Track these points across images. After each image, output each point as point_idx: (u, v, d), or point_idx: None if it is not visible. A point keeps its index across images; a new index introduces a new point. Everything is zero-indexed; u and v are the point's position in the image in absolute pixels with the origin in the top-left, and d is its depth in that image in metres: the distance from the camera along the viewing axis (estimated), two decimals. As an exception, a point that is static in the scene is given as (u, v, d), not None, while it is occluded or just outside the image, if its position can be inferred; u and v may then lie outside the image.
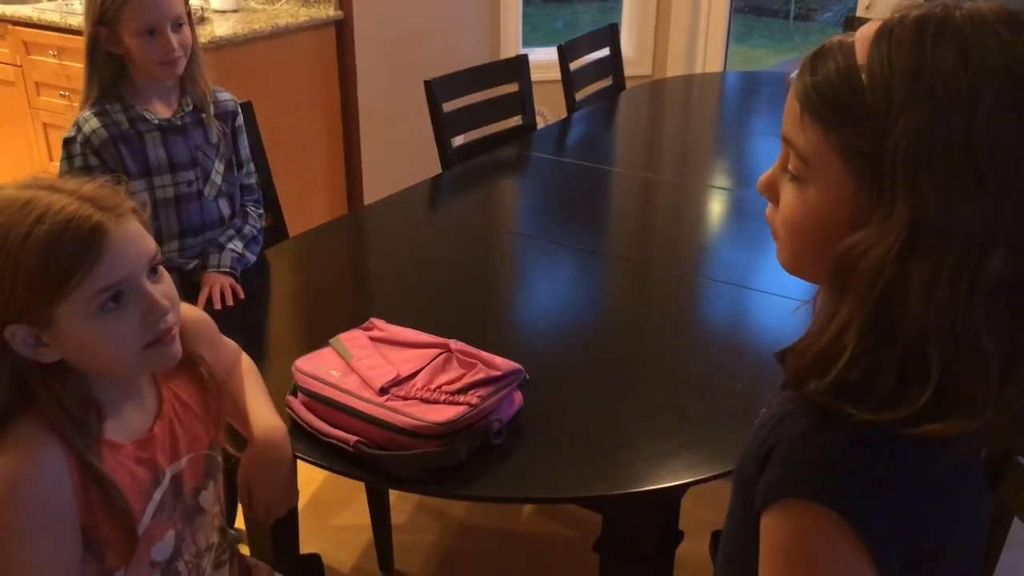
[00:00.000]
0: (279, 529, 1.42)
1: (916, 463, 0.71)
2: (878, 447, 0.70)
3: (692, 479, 1.19)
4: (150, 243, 0.99)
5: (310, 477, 1.17)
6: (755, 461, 0.76)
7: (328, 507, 2.25)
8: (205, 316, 1.21)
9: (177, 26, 1.68)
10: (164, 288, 1.00)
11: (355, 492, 2.23)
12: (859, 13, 3.79)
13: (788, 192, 0.77)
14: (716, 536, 1.39)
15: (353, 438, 1.20)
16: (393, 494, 2.11)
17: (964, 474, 0.76)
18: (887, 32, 0.70)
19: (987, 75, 0.66)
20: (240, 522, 1.53)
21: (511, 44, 4.07)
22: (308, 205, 3.31)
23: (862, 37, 0.72)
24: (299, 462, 1.25)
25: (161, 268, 1.01)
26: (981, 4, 0.69)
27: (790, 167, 0.76)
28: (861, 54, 0.71)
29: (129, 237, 0.95)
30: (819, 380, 0.71)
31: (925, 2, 0.72)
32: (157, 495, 1.04)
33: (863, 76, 0.70)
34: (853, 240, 0.70)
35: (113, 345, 0.96)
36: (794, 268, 0.80)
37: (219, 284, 1.69)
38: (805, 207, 0.76)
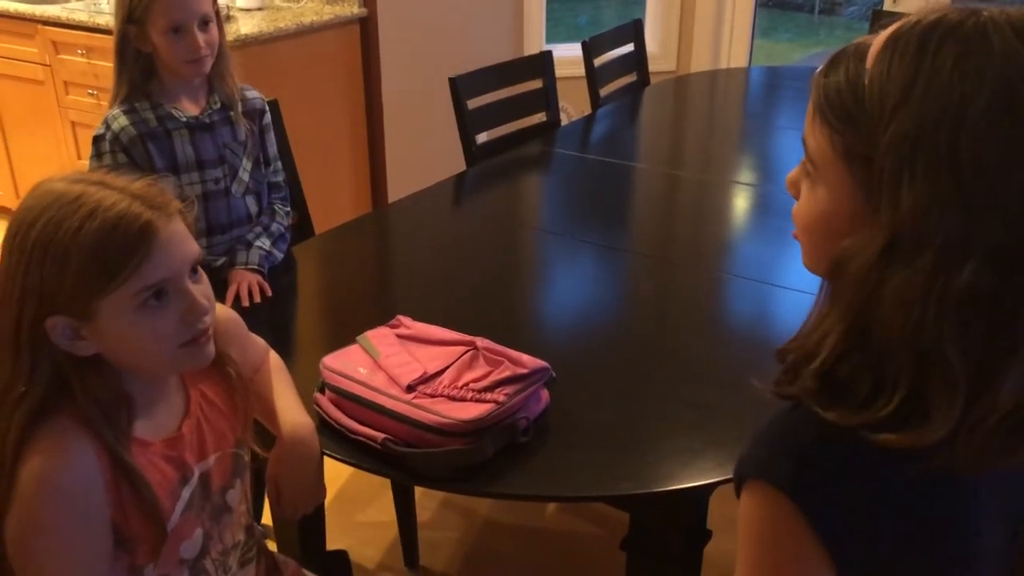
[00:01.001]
0: (306, 526, 1.43)
1: (880, 468, 0.71)
2: (843, 445, 0.71)
3: (719, 478, 1.19)
4: (194, 245, 1.00)
5: (336, 474, 1.18)
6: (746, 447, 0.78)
7: (354, 504, 2.26)
8: (234, 315, 1.22)
9: (204, 24, 1.69)
10: (203, 289, 1.02)
11: (381, 489, 2.24)
12: (886, 7, 3.76)
13: (804, 192, 0.79)
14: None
15: (381, 435, 1.20)
16: (418, 491, 2.11)
17: (946, 497, 0.74)
18: (894, 39, 0.70)
19: (982, 83, 0.65)
20: (267, 518, 1.54)
21: (535, 40, 4.06)
22: (333, 202, 3.32)
23: (875, 43, 0.72)
24: (326, 459, 1.25)
25: (200, 269, 1.02)
26: (1007, 9, 0.68)
27: (807, 168, 0.78)
28: (870, 60, 0.71)
29: (176, 237, 0.97)
30: (801, 379, 0.73)
31: (953, 3, 0.71)
32: (186, 493, 1.05)
33: (866, 81, 0.70)
34: (845, 244, 0.71)
35: (151, 341, 0.97)
36: (813, 268, 0.81)
37: (247, 281, 1.70)
38: (814, 206, 0.77)
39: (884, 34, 0.72)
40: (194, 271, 1.00)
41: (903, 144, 0.67)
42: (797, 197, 0.81)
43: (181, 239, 0.98)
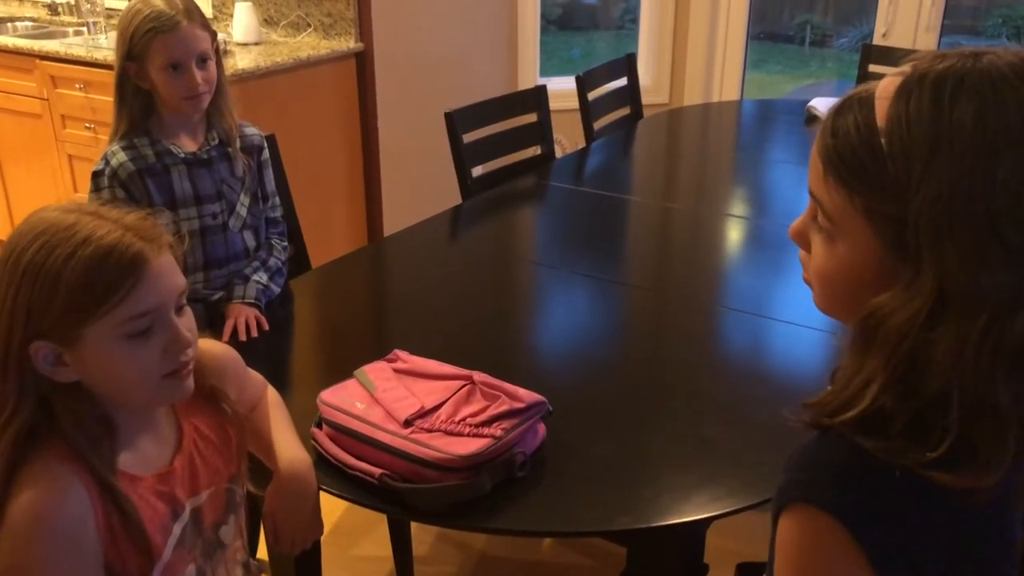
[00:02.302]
0: (302, 561, 1.43)
1: (924, 489, 0.71)
2: (885, 467, 0.71)
3: (717, 512, 1.19)
4: (181, 278, 1.02)
5: (332, 507, 1.19)
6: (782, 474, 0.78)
7: (350, 537, 2.25)
8: (231, 351, 1.22)
9: (202, 62, 1.71)
10: (187, 322, 1.02)
11: (377, 523, 2.23)
12: (875, 40, 3.81)
13: (818, 245, 0.79)
14: (741, 568, 1.39)
15: (378, 471, 1.20)
16: (415, 525, 2.10)
17: (988, 520, 0.76)
18: (906, 93, 0.70)
19: (1008, 137, 0.67)
20: (263, 552, 1.53)
21: (529, 73, 4.10)
22: (328, 235, 3.34)
23: (881, 96, 0.72)
24: (322, 493, 1.25)
25: (185, 303, 1.03)
26: (1001, 53, 0.70)
27: (819, 221, 0.78)
28: (880, 115, 0.71)
29: (166, 269, 0.98)
30: (840, 418, 0.73)
31: (946, 52, 0.72)
32: (177, 529, 1.05)
33: (883, 140, 0.70)
34: (879, 301, 0.71)
35: (134, 371, 0.98)
36: (829, 312, 0.82)
37: (244, 315, 1.71)
38: (835, 262, 0.77)
39: (890, 84, 0.72)
40: (179, 304, 1.01)
41: (937, 206, 0.67)
42: (804, 247, 0.81)
43: (170, 271, 0.99)
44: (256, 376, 1.29)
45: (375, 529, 2.24)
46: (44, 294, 0.93)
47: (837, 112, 0.75)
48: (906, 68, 0.72)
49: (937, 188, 0.67)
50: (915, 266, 0.69)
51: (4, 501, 0.94)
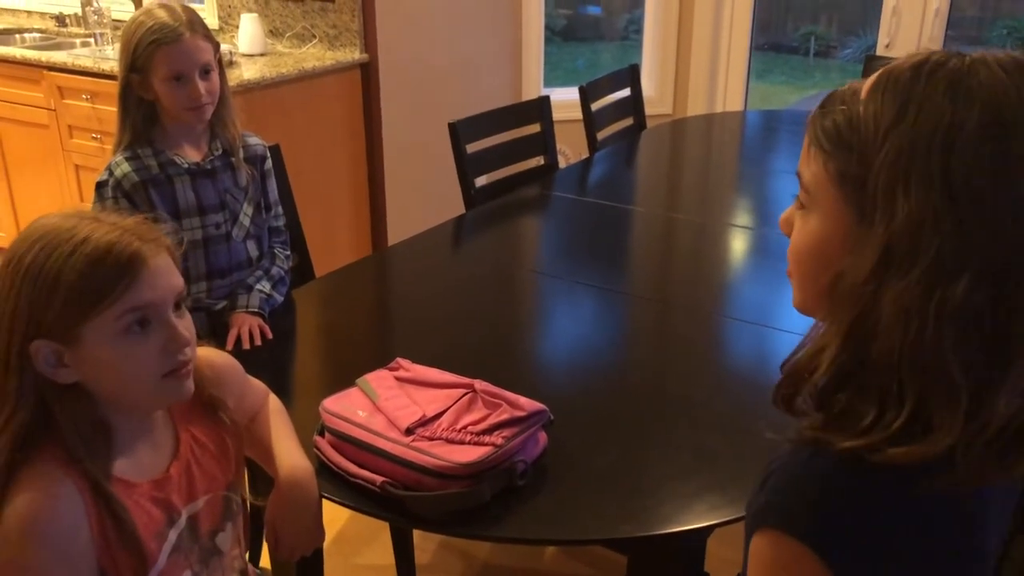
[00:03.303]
0: (304, 569, 1.43)
1: (894, 500, 0.72)
2: (856, 487, 0.72)
3: (718, 520, 1.19)
4: (179, 279, 1.03)
5: (334, 516, 1.18)
6: (757, 487, 0.79)
7: (352, 546, 2.25)
8: (230, 359, 1.23)
9: (205, 73, 1.72)
10: (186, 323, 1.04)
11: (379, 531, 2.23)
12: (879, 51, 3.81)
13: (796, 222, 0.81)
14: (742, 578, 1.39)
15: (380, 478, 1.21)
16: (417, 534, 2.11)
17: (955, 518, 0.76)
18: (887, 74, 0.74)
19: (971, 107, 0.69)
20: (265, 561, 1.54)
21: (533, 84, 4.12)
22: (333, 245, 3.35)
23: (868, 80, 0.76)
24: (324, 501, 1.26)
25: (184, 306, 1.05)
26: (991, 52, 0.72)
27: (800, 198, 0.80)
28: (864, 93, 0.75)
29: (163, 268, 1.00)
30: (803, 398, 0.75)
31: (944, 47, 0.74)
32: (172, 535, 1.05)
33: (860, 109, 0.74)
34: (842, 264, 0.73)
35: (133, 369, 0.99)
36: (803, 304, 0.83)
37: (247, 324, 1.71)
38: (807, 234, 0.79)
39: (876, 73, 0.75)
40: (177, 306, 1.03)
41: (897, 161, 0.70)
42: (789, 235, 0.83)
43: (168, 271, 1.01)
44: (257, 384, 1.30)
45: (378, 537, 2.24)
46: (44, 293, 0.94)
47: (828, 98, 0.79)
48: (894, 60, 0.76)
49: (898, 145, 0.70)
50: (870, 223, 0.71)
51: (2, 501, 0.94)
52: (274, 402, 1.31)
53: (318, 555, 1.51)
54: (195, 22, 1.72)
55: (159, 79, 1.69)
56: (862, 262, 0.71)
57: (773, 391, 0.79)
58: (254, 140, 1.90)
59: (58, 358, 0.97)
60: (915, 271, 0.68)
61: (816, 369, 0.73)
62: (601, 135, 3.14)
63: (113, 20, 3.68)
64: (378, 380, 1.38)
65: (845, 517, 0.72)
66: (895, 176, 0.70)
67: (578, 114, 3.06)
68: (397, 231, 3.52)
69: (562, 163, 2.96)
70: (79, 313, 0.95)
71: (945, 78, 0.70)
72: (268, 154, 1.92)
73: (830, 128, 0.75)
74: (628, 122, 3.36)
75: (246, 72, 3.06)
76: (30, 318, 0.95)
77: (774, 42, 6.02)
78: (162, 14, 1.69)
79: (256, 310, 1.77)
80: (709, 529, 1.20)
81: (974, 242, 0.68)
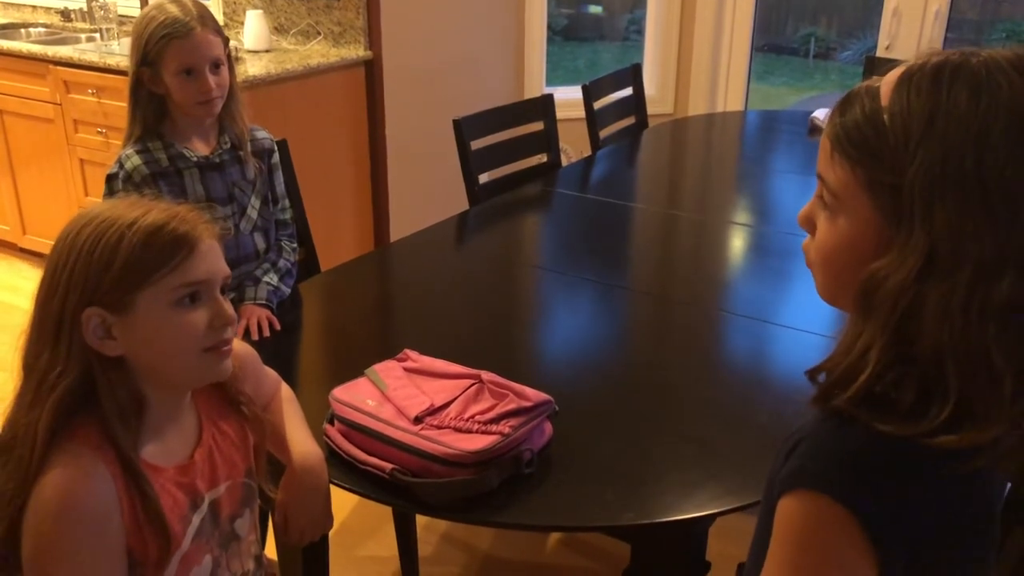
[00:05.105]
0: (310, 559, 1.45)
1: (928, 473, 0.76)
2: (894, 453, 0.75)
3: (719, 509, 1.22)
4: (225, 265, 1.08)
5: (338, 507, 1.20)
6: (781, 457, 0.81)
7: (355, 537, 2.27)
8: (248, 348, 1.26)
9: (215, 67, 1.75)
10: (229, 306, 1.08)
11: (382, 523, 2.25)
12: (879, 53, 3.84)
13: (822, 223, 0.83)
14: (741, 568, 1.41)
15: (389, 465, 1.23)
16: (420, 525, 2.13)
17: (974, 495, 0.81)
18: (908, 77, 0.76)
19: (997, 113, 0.72)
20: (270, 550, 1.56)
21: (535, 83, 4.14)
22: (336, 240, 3.37)
23: (886, 82, 0.78)
24: (330, 489, 1.28)
25: (226, 292, 1.09)
26: (997, 50, 0.75)
27: (824, 199, 0.82)
28: (885, 98, 0.77)
29: (215, 251, 1.06)
30: (843, 393, 0.77)
31: (945, 49, 0.77)
32: (196, 519, 1.08)
33: (885, 117, 0.76)
34: (876, 266, 0.76)
35: (180, 339, 1.03)
36: (830, 297, 0.86)
37: (256, 316, 1.74)
38: (836, 236, 0.81)
39: (894, 74, 0.78)
40: (222, 291, 1.07)
41: (932, 170, 0.73)
42: (811, 232, 0.86)
43: (217, 255, 1.06)
44: (271, 373, 1.32)
45: (380, 529, 2.26)
46: (104, 260, 0.98)
47: (845, 100, 0.81)
48: (908, 61, 0.78)
49: (931, 156, 0.73)
50: (909, 230, 0.74)
51: (39, 472, 0.97)
52: (286, 390, 1.33)
53: (324, 547, 1.53)
54: (206, 17, 1.74)
55: (170, 73, 1.71)
56: (903, 266, 0.74)
57: (817, 395, 0.80)
58: (262, 134, 1.92)
59: (106, 330, 1.00)
60: (959, 274, 0.72)
61: (864, 369, 0.76)
62: (603, 133, 3.17)
63: (119, 15, 3.70)
64: (386, 370, 1.41)
65: (884, 484, 0.75)
66: (931, 185, 0.73)
67: (580, 113, 3.09)
68: (400, 227, 3.54)
69: (564, 161, 2.98)
70: (136, 281, 0.99)
71: (967, 86, 0.73)
72: (275, 148, 1.95)
73: (854, 134, 0.78)
74: (630, 121, 3.38)
75: (251, 68, 3.08)
76: (86, 284, 0.98)
77: (775, 43, 6.04)
78: (174, 8, 1.71)
79: (264, 302, 1.79)
80: (711, 518, 1.23)
81: (1012, 242, 0.72)
